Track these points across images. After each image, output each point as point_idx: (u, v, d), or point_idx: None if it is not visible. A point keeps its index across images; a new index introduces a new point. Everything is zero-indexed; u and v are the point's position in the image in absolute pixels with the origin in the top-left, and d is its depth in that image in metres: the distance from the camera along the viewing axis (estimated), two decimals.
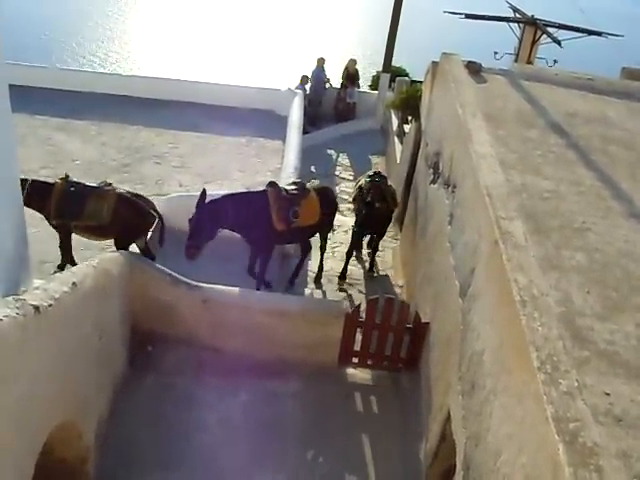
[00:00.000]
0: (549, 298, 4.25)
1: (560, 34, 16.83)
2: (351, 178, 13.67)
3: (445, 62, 8.82)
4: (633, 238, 5.30)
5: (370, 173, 9.82)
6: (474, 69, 8.71)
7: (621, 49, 17.87)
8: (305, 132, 14.67)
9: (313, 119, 16.29)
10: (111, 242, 8.69)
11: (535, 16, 17.12)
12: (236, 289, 7.67)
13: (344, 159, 14.93)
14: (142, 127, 14.41)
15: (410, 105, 12.79)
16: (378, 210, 9.20)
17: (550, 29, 16.90)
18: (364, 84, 19.59)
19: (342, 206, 11.77)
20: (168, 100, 15.75)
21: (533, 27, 16.92)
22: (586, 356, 3.88)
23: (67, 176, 8.24)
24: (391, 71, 16.90)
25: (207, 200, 7.72)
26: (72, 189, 8.10)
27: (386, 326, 7.31)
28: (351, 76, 16.98)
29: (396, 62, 17.47)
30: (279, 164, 12.73)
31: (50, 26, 40.56)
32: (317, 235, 9.33)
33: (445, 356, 6.03)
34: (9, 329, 3.92)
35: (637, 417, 3.48)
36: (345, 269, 9.73)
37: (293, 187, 8.69)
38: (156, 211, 8.58)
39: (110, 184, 8.38)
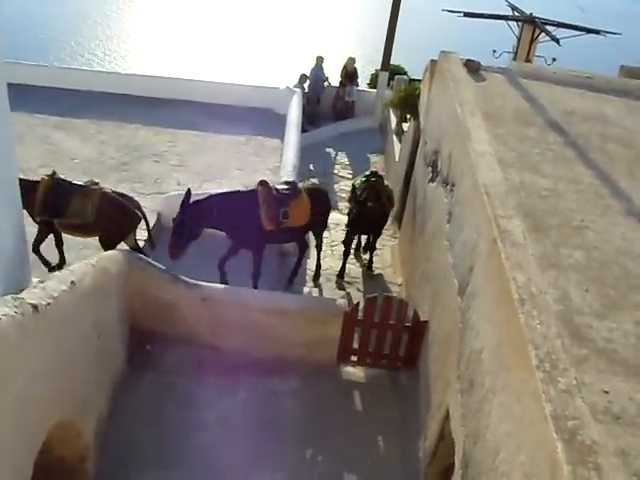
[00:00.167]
0: (548, 296, 4.25)
1: (559, 32, 16.82)
2: (350, 177, 13.65)
3: (444, 60, 8.82)
4: (631, 236, 5.30)
5: (367, 173, 9.81)
6: (473, 67, 8.70)
7: (619, 47, 17.85)
8: (304, 130, 14.66)
9: (312, 117, 16.28)
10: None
11: (534, 14, 17.12)
12: (235, 288, 7.67)
13: (343, 157, 14.92)
14: (141, 126, 14.39)
15: (409, 103, 12.79)
16: (370, 209, 9.16)
17: (549, 27, 16.90)
18: (363, 82, 19.54)
19: (341, 204, 11.78)
20: (167, 98, 15.71)
21: (532, 25, 16.93)
22: (585, 354, 3.89)
23: (54, 173, 8.22)
24: (390, 69, 16.87)
25: (192, 200, 7.72)
26: (58, 186, 8.09)
27: (385, 324, 7.31)
28: (350, 74, 16.96)
29: (395, 60, 17.44)
30: (278, 162, 12.72)
31: (48, 25, 40.48)
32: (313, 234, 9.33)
33: (444, 354, 6.03)
34: (8, 328, 3.92)
35: (636, 415, 3.48)
36: (343, 268, 9.74)
37: (284, 187, 8.63)
38: (141, 210, 8.58)
39: (96, 183, 8.37)
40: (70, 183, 8.23)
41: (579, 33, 17.36)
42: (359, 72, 17.69)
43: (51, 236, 8.55)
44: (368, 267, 10.13)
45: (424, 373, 6.80)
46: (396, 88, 15.30)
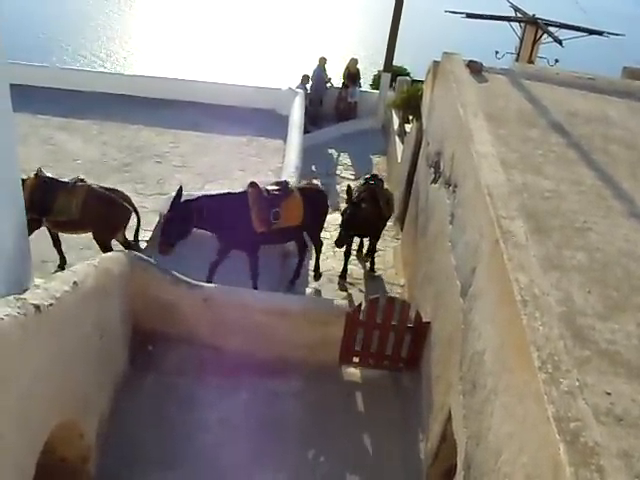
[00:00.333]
0: (550, 298, 4.25)
1: (561, 33, 16.79)
2: (352, 177, 13.66)
3: (446, 61, 8.81)
4: (634, 237, 5.29)
5: (366, 176, 9.79)
6: (475, 68, 8.70)
7: (622, 48, 17.83)
8: (306, 131, 14.67)
9: (314, 118, 16.28)
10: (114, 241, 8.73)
11: (536, 15, 17.09)
12: (237, 288, 7.67)
13: (345, 158, 14.92)
14: (143, 126, 14.41)
15: (411, 105, 12.77)
16: (364, 211, 9.03)
17: (551, 28, 16.86)
18: (365, 83, 19.56)
19: (343, 206, 11.76)
20: (169, 99, 15.74)
21: (534, 26, 16.90)
22: (587, 355, 3.88)
23: (39, 171, 8.22)
24: (392, 70, 16.88)
25: (183, 199, 7.74)
26: (44, 184, 8.08)
27: (387, 326, 7.31)
28: (352, 75, 16.97)
29: (397, 61, 17.45)
30: (280, 163, 12.73)
31: (49, 26, 40.54)
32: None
33: (446, 355, 6.03)
34: (10, 328, 3.92)
35: (638, 416, 3.47)
36: (345, 269, 9.73)
37: (275, 187, 8.56)
38: (131, 204, 8.58)
39: (82, 179, 8.36)
40: (56, 180, 8.22)
41: (582, 34, 17.33)
42: (361, 73, 17.71)
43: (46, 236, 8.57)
44: (370, 269, 10.12)
45: (426, 374, 6.80)
46: (398, 89, 15.30)
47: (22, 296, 4.33)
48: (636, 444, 3.28)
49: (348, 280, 9.76)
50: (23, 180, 8.09)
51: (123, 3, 53.85)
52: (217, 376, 7.07)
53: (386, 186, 9.95)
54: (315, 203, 8.90)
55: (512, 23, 17.83)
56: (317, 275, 9.66)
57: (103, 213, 8.28)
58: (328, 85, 16.94)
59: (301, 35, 46.34)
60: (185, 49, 39.34)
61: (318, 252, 9.59)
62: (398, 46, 16.54)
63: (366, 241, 10.31)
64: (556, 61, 16.83)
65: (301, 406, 6.97)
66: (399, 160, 12.81)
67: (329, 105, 16.99)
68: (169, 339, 7.33)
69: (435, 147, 8.41)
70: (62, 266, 8.66)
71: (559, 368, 3.60)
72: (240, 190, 8.44)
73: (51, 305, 4.53)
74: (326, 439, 6.64)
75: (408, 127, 13.44)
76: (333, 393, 7.25)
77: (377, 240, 10.08)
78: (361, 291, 9.62)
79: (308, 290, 9.47)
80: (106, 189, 8.49)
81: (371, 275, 10.05)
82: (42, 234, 8.72)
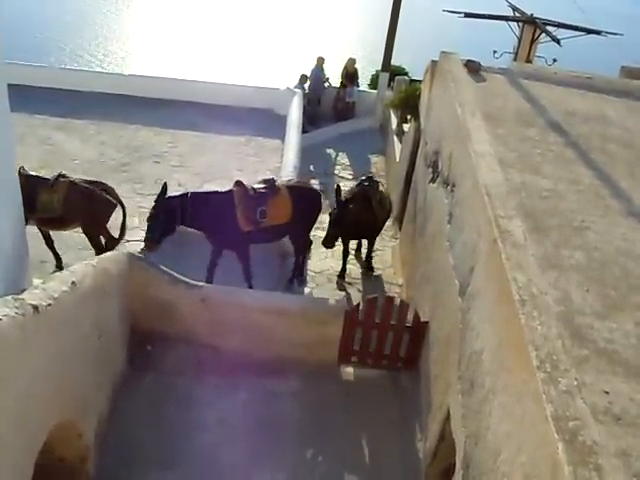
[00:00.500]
0: (548, 297, 4.25)
1: (559, 33, 16.82)
2: (350, 177, 13.65)
3: (444, 61, 8.81)
4: (632, 236, 5.30)
5: (362, 177, 9.70)
6: (473, 68, 8.70)
7: (620, 48, 17.85)
8: (304, 131, 14.65)
9: (312, 118, 16.26)
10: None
11: (534, 15, 17.11)
12: (235, 288, 7.67)
13: (343, 158, 14.91)
14: (141, 126, 14.40)
15: (409, 104, 12.77)
16: (352, 212, 8.84)
17: (549, 28, 16.89)
18: (363, 83, 19.55)
19: None
20: (167, 99, 15.72)
21: (532, 26, 16.92)
22: (585, 355, 3.88)
23: (22, 169, 8.18)
24: (390, 70, 16.87)
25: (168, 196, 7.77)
26: (26, 182, 8.03)
27: (385, 325, 7.31)
28: (350, 75, 16.95)
29: (395, 61, 17.44)
30: (278, 163, 12.72)
31: (47, 26, 40.50)
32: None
33: (444, 355, 6.03)
34: (8, 328, 3.92)
35: (636, 416, 3.48)
36: (344, 268, 9.73)
37: (262, 186, 8.51)
38: (115, 197, 8.57)
39: (64, 175, 8.34)
40: (38, 178, 8.18)
41: (580, 34, 17.35)
42: (359, 73, 17.69)
43: (56, 234, 8.56)
44: (368, 268, 10.10)
45: (425, 374, 6.80)
46: (396, 89, 15.29)
47: (20, 296, 4.33)
48: (634, 443, 3.29)
49: (347, 280, 9.76)
50: None
51: (121, 3, 53.77)
52: (215, 376, 7.07)
53: (382, 187, 9.85)
54: (305, 201, 8.79)
55: (510, 22, 17.85)
56: (299, 275, 9.47)
57: (85, 208, 8.26)
58: (326, 85, 16.92)
59: (299, 35, 46.30)
60: (183, 49, 39.31)
61: (306, 251, 9.48)
62: (396, 45, 16.52)
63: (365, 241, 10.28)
64: (554, 60, 16.85)
65: (299, 406, 6.97)
66: (397, 160, 12.81)
67: (327, 105, 16.97)
68: (167, 339, 7.32)
69: (433, 147, 8.41)
70: (60, 266, 8.65)
71: (557, 367, 3.61)
72: (227, 188, 8.42)
73: (49, 305, 4.52)
74: (324, 439, 6.64)
75: (406, 127, 13.45)
76: (332, 393, 7.25)
77: (373, 241, 10.02)
78: (359, 291, 9.61)
79: (306, 289, 9.46)
80: (89, 182, 8.45)
81: (369, 275, 10.04)
82: (39, 234, 8.72)
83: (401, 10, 15.89)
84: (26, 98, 13.53)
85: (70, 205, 8.12)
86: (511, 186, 5.70)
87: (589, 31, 17.50)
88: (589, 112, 7.98)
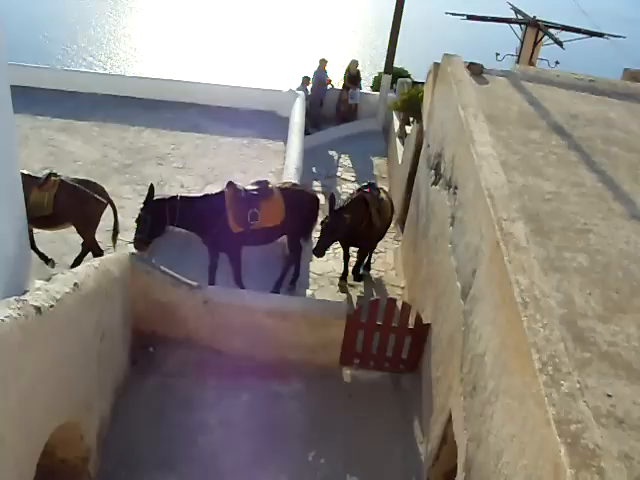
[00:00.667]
0: (551, 300, 4.25)
1: (562, 35, 16.82)
2: (353, 179, 13.67)
3: (447, 63, 8.81)
4: (635, 239, 5.29)
5: (364, 184, 9.48)
6: (476, 70, 8.70)
7: (623, 50, 17.85)
8: (307, 133, 14.68)
9: (315, 120, 16.29)
10: (110, 243, 8.74)
11: (537, 17, 17.11)
12: (237, 290, 7.67)
13: (346, 160, 14.92)
14: (144, 128, 14.44)
15: (412, 106, 12.76)
16: (344, 220, 8.53)
17: (552, 30, 16.89)
18: (365, 85, 19.56)
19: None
20: (170, 101, 15.77)
21: (535, 28, 16.92)
22: (588, 358, 3.88)
23: None
24: (393, 72, 16.88)
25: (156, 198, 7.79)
26: None
27: (387, 327, 7.31)
28: (353, 77, 16.97)
29: (398, 63, 17.45)
30: (281, 165, 12.74)
31: (51, 27, 40.59)
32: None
33: (446, 357, 6.03)
34: (10, 330, 3.92)
35: (639, 419, 3.47)
36: (345, 271, 9.71)
37: (254, 188, 8.48)
38: (105, 196, 8.57)
39: (55, 174, 8.33)
40: (29, 176, 8.11)
41: (582, 36, 17.34)
42: (362, 75, 17.70)
43: (59, 236, 8.55)
44: (366, 267, 10.05)
45: (427, 376, 6.80)
46: (399, 91, 15.30)
47: (23, 298, 4.33)
48: (637, 446, 3.28)
49: (348, 282, 9.75)
50: None
51: (124, 5, 53.88)
52: (218, 378, 7.07)
53: (384, 194, 9.59)
54: (299, 205, 8.71)
55: (513, 25, 17.85)
56: (283, 280, 9.31)
57: (75, 207, 8.26)
58: (329, 87, 16.94)
59: (302, 37, 46.38)
60: (186, 51, 39.39)
61: (300, 254, 9.36)
62: (399, 48, 16.52)
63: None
64: (557, 63, 16.83)
65: (302, 408, 6.97)
66: (400, 162, 12.81)
67: (330, 107, 16.99)
68: (170, 341, 7.33)
69: (435, 149, 8.41)
70: (45, 261, 8.64)
71: (560, 370, 3.60)
72: (219, 190, 8.42)
73: (52, 307, 4.53)
74: (327, 441, 6.64)
75: (409, 129, 13.45)
76: (334, 395, 7.25)
77: (366, 251, 9.75)
78: (362, 293, 9.61)
79: (309, 292, 9.46)
80: (80, 182, 8.45)
81: (368, 277, 10.00)
82: (42, 236, 8.75)
83: (403, 12, 15.90)
84: (29, 99, 13.61)
85: (60, 204, 8.12)
86: (514, 188, 5.69)
87: (592, 34, 17.48)
88: (592, 115, 7.97)
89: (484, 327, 4.90)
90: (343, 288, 9.62)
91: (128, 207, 9.62)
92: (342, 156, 15.11)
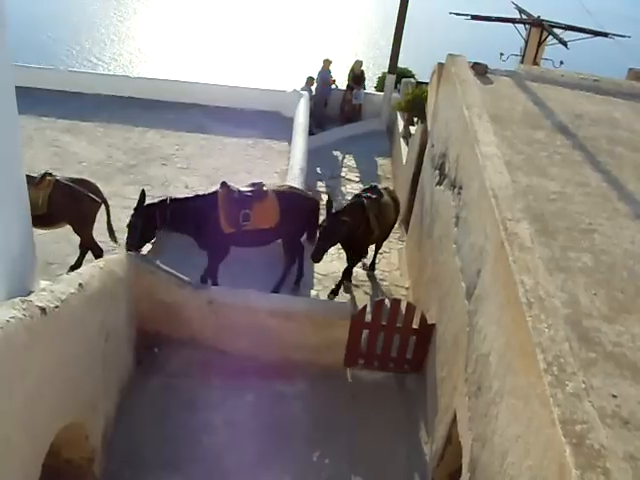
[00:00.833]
0: (555, 300, 4.24)
1: (566, 35, 16.76)
2: (357, 180, 13.67)
3: (451, 63, 8.80)
4: (639, 239, 5.29)
5: (366, 187, 9.40)
6: (480, 70, 8.69)
7: (628, 50, 17.80)
8: (311, 133, 14.67)
9: (319, 120, 16.29)
10: (111, 243, 8.75)
11: (541, 17, 17.07)
12: (242, 290, 7.67)
13: (350, 160, 14.92)
14: (148, 128, 14.45)
15: (416, 106, 12.74)
16: (342, 224, 8.38)
17: (556, 30, 16.84)
18: (370, 85, 19.55)
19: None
20: (174, 101, 15.78)
21: (539, 28, 16.87)
22: (593, 358, 3.87)
23: None
24: (397, 72, 16.87)
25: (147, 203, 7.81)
26: None
27: (392, 327, 7.31)
28: (357, 77, 16.96)
29: (402, 63, 17.44)
30: (285, 165, 12.74)
31: (55, 28, 40.67)
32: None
33: (451, 358, 6.02)
34: (16, 331, 3.93)
35: None
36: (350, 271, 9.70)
37: (248, 189, 8.43)
38: (100, 195, 8.57)
39: (50, 174, 8.33)
40: (25, 176, 8.19)
41: (587, 36, 17.28)
42: (366, 75, 17.70)
43: (63, 236, 8.55)
44: (370, 267, 10.07)
45: (431, 376, 6.79)
46: (403, 91, 15.29)
47: (28, 298, 4.34)
48: None
49: (353, 282, 9.75)
50: None
51: (128, 6, 53.96)
52: (222, 378, 7.08)
53: (387, 197, 9.40)
54: (295, 207, 8.58)
55: (517, 25, 17.81)
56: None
57: (69, 206, 8.27)
58: (333, 87, 16.94)
59: (306, 37, 46.38)
60: (190, 51, 39.42)
61: (297, 256, 9.27)
62: (403, 48, 16.52)
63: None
64: (561, 63, 16.77)
65: (306, 408, 6.97)
66: (404, 162, 12.80)
67: (334, 107, 16.99)
68: (174, 341, 7.34)
69: (440, 149, 8.40)
70: None
71: (565, 370, 3.60)
72: (211, 191, 8.41)
73: (57, 307, 4.54)
74: (331, 441, 6.64)
75: (413, 129, 13.44)
76: (338, 395, 7.25)
77: (358, 256, 9.49)
78: (366, 293, 9.61)
79: (313, 292, 9.46)
80: (74, 181, 8.45)
81: (373, 277, 9.99)
82: (46, 235, 8.76)
83: (408, 12, 15.89)
84: (34, 100, 13.64)
85: (54, 204, 8.13)
86: (518, 188, 5.69)
87: (596, 33, 17.43)
88: (596, 114, 7.96)
89: (489, 327, 4.89)
90: (348, 288, 9.61)
91: (132, 207, 9.61)
92: (346, 156, 15.11)
